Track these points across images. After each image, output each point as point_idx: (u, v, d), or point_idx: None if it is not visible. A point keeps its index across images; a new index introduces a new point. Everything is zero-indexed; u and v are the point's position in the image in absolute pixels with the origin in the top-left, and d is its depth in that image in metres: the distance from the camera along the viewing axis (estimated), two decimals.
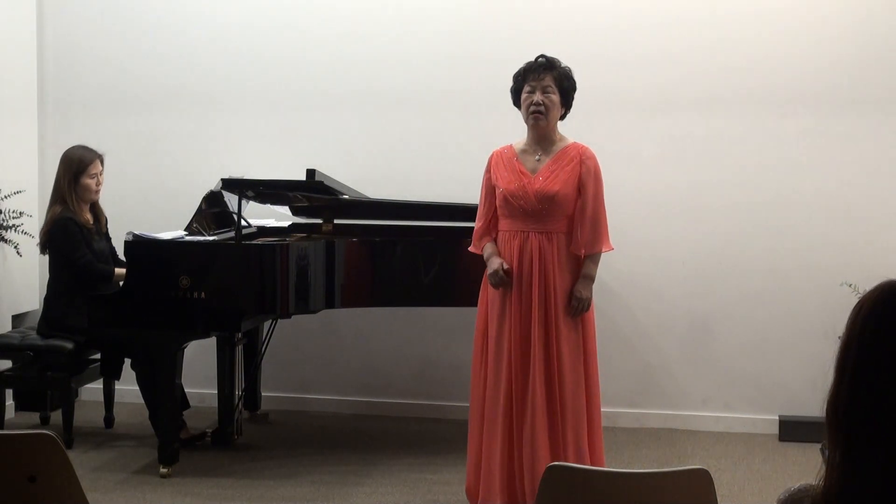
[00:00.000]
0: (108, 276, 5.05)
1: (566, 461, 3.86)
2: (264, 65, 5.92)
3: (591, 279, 4.16)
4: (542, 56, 4.20)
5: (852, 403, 1.58)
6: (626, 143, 5.54)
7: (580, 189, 4.14)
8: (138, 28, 6.03)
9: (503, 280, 4.12)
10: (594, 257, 4.17)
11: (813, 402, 5.20)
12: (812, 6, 5.44)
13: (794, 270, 5.50)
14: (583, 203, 4.14)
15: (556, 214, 4.12)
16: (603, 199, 4.18)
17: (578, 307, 4.13)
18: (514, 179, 4.15)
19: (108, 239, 5.34)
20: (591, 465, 4.00)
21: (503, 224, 4.22)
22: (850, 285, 5.16)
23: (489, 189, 4.27)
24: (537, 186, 4.11)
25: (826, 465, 1.60)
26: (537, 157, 4.19)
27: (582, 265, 4.18)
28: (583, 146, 4.21)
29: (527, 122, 4.20)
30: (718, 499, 2.14)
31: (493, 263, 4.16)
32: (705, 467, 2.14)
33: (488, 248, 4.24)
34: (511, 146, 4.27)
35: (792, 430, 5.33)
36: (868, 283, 1.76)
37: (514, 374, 4.10)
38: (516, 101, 4.26)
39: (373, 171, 5.76)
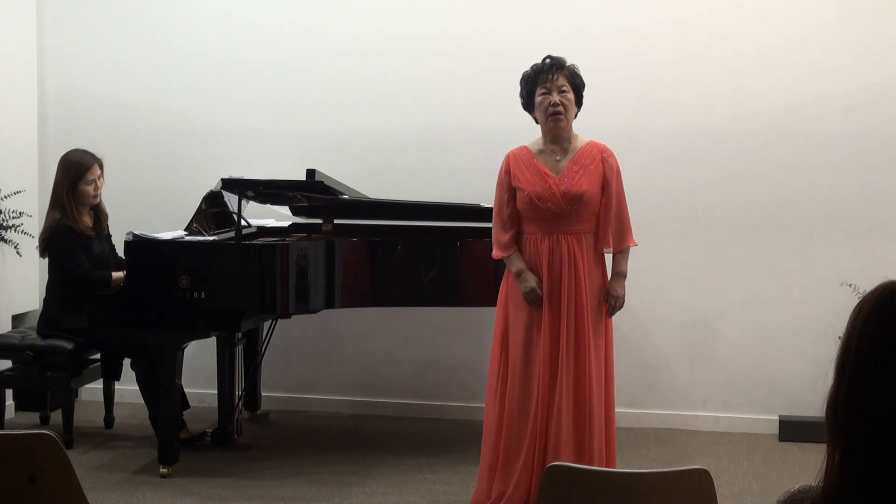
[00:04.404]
0: (105, 282, 5.03)
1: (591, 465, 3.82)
2: (265, 65, 5.91)
3: (625, 276, 4.16)
4: (548, 57, 4.17)
5: (852, 404, 1.58)
6: (625, 142, 5.53)
7: (604, 187, 4.12)
8: (139, 27, 6.03)
9: (539, 302, 4.07)
10: (624, 254, 4.16)
11: (813, 402, 5.20)
12: (813, 9, 5.45)
13: (794, 270, 5.50)
14: (607, 201, 4.12)
15: (583, 215, 4.09)
16: (624, 195, 4.18)
17: (616, 305, 4.13)
18: (538, 181, 4.09)
19: (109, 238, 5.34)
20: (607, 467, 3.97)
21: (528, 227, 4.14)
22: (850, 285, 5.16)
23: (510, 191, 4.17)
24: (564, 188, 4.06)
25: (825, 466, 1.60)
26: (557, 158, 4.14)
27: (613, 263, 4.17)
28: (601, 144, 4.18)
29: (545, 124, 4.14)
30: (718, 499, 2.14)
31: (529, 281, 4.07)
32: (705, 467, 2.14)
33: (517, 263, 4.13)
34: (526, 147, 4.21)
35: (792, 430, 5.33)
36: (868, 283, 1.76)
37: (541, 381, 4.03)
38: (527, 105, 4.20)
39: (373, 171, 5.76)
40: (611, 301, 4.12)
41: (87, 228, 5.15)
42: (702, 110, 5.53)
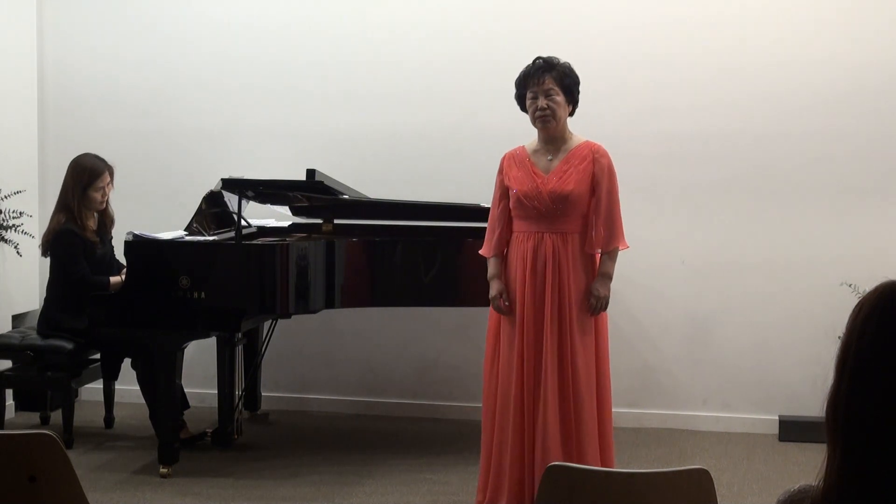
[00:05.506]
0: (104, 286, 5.04)
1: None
2: (265, 64, 5.92)
3: (610, 277, 4.12)
4: (539, 58, 4.16)
5: (852, 404, 1.58)
6: (625, 142, 5.53)
7: (594, 187, 4.10)
8: (138, 27, 6.04)
9: (502, 310, 4.12)
10: (611, 255, 4.13)
11: (813, 402, 5.20)
12: (811, 5, 5.45)
13: (794, 270, 5.50)
14: (597, 201, 4.10)
15: (570, 214, 4.08)
16: (617, 197, 4.14)
17: (597, 306, 4.10)
18: (527, 180, 4.10)
19: (109, 241, 5.33)
20: (602, 466, 3.96)
21: (518, 225, 4.16)
22: (850, 285, 5.16)
23: (502, 191, 4.21)
24: (550, 187, 4.06)
25: (826, 466, 1.60)
26: (549, 157, 4.15)
27: (599, 263, 4.15)
28: (595, 144, 4.16)
29: (535, 126, 4.17)
30: (718, 499, 2.14)
31: (493, 289, 4.16)
32: (705, 467, 2.14)
33: (491, 268, 4.20)
34: (523, 147, 4.23)
35: (792, 430, 5.33)
36: (868, 283, 1.76)
37: (525, 378, 4.03)
38: (522, 107, 4.22)
39: (373, 171, 5.76)
40: (592, 301, 4.08)
41: (91, 233, 5.16)
42: (701, 110, 5.53)
